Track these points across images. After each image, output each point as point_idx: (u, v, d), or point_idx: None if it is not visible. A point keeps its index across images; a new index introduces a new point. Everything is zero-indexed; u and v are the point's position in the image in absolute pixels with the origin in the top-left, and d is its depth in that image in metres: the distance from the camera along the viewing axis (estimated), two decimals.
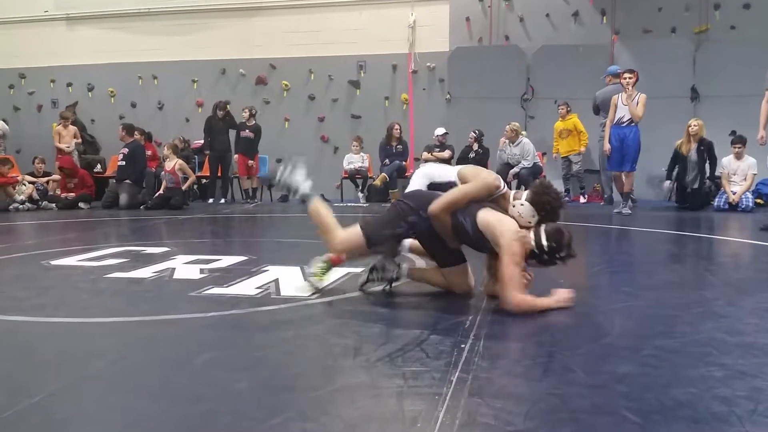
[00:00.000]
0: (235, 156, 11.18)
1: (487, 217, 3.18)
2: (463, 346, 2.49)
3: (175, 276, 4.10)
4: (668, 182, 9.35)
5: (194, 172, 10.80)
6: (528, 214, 3.18)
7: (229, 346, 2.60)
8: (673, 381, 2.13)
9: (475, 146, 10.39)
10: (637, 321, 2.81)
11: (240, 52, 12.23)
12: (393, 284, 3.51)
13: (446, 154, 10.45)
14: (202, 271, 4.21)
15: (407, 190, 3.73)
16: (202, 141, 11.44)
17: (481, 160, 10.35)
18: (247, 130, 10.98)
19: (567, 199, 10.12)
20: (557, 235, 3.05)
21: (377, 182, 10.75)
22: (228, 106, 11.18)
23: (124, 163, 10.26)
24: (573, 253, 3.09)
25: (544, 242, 3.04)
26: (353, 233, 3.38)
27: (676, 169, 9.15)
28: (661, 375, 2.19)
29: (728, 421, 1.79)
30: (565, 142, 10.24)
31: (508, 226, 3.13)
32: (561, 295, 3.09)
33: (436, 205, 3.26)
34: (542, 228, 3.10)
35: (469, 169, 3.57)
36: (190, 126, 12.36)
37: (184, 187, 10.02)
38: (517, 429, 1.75)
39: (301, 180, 3.63)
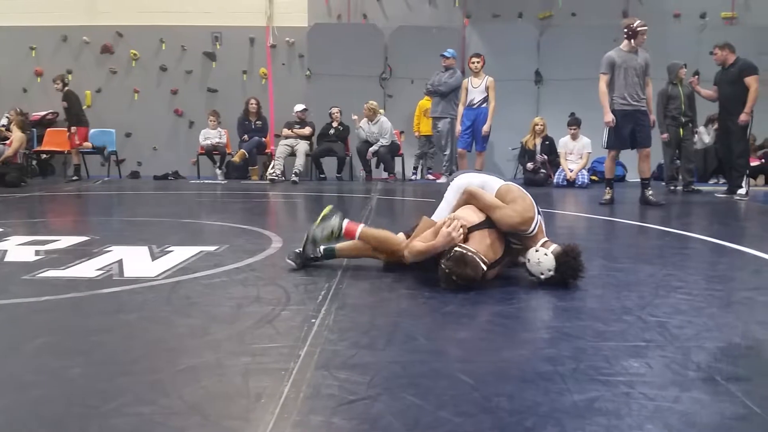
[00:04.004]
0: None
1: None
2: (313, 320, 2.52)
3: (7, 258, 3.81)
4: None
5: (33, 146, 9.88)
6: (546, 266, 3.09)
7: (64, 331, 2.45)
8: (505, 344, 2.29)
9: (335, 123, 10.42)
10: (477, 290, 2.97)
11: (83, 18, 11.34)
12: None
13: (306, 130, 10.40)
14: (37, 252, 3.92)
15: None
16: (43, 113, 10.56)
17: (341, 136, 10.43)
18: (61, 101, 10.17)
19: (414, 177, 10.43)
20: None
21: (236, 159, 10.49)
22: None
23: None
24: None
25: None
26: (423, 227, 3.32)
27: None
28: (495, 339, 2.35)
29: (552, 379, 1.95)
30: (429, 122, 10.44)
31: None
32: (443, 236, 3.08)
33: (473, 188, 3.34)
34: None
35: (516, 193, 3.32)
36: (28, 97, 11.34)
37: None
38: (359, 397, 1.80)
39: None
